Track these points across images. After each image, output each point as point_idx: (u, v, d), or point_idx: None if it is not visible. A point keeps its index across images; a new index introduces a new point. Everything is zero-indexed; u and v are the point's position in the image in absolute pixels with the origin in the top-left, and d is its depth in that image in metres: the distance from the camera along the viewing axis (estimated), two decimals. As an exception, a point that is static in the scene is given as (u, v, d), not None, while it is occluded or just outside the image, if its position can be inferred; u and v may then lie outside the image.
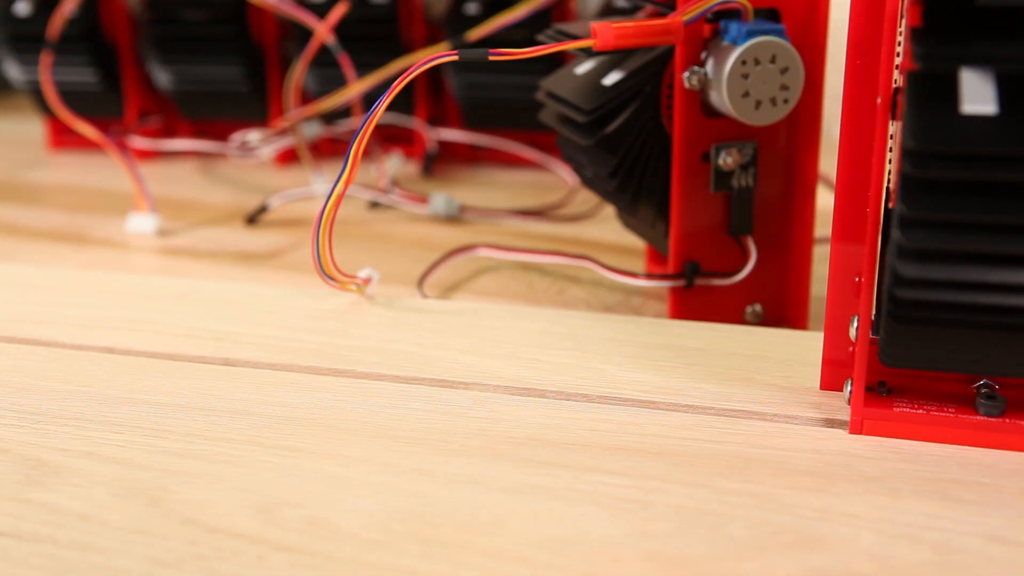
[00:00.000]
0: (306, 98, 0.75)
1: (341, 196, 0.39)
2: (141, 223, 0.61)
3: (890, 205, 0.32)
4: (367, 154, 0.76)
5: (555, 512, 0.28)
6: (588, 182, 0.50)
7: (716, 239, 0.44)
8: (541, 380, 0.37)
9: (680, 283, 0.44)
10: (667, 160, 0.43)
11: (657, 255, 0.52)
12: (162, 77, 0.77)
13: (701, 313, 0.45)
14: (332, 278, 0.42)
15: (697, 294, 0.45)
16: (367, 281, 0.44)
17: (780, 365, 0.38)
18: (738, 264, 0.44)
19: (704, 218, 0.43)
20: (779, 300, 0.45)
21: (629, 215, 0.49)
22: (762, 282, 0.45)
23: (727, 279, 0.44)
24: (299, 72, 0.70)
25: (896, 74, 0.31)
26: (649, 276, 0.46)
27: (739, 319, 0.45)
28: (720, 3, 0.40)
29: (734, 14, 0.41)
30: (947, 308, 0.30)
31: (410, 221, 0.64)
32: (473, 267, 0.54)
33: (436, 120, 0.77)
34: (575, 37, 0.43)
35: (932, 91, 0.28)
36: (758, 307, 0.45)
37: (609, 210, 0.64)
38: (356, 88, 0.67)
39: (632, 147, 0.44)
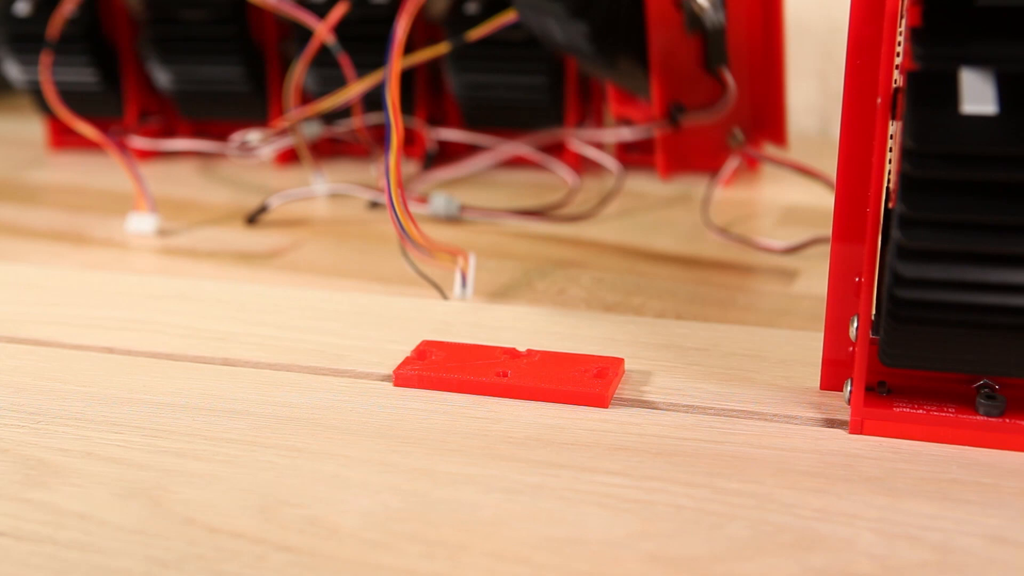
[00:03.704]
0: (306, 98, 0.75)
1: (399, 153, 0.34)
2: (141, 223, 0.61)
3: (890, 205, 0.32)
4: (367, 153, 0.76)
5: (555, 512, 0.28)
6: (559, 47, 0.51)
7: (694, 78, 0.45)
8: (541, 380, 0.37)
9: (667, 126, 0.45)
10: (640, 12, 0.44)
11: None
12: (162, 77, 0.77)
13: (689, 156, 0.46)
14: (422, 246, 0.36)
15: (683, 136, 0.45)
16: (465, 260, 0.39)
17: (780, 365, 0.38)
18: (717, 98, 0.45)
19: (682, 60, 0.44)
20: (757, 119, 0.46)
21: (607, 72, 0.49)
22: (739, 107, 0.46)
23: (711, 112, 0.45)
24: (299, 72, 0.70)
25: (896, 74, 0.31)
26: (635, 125, 0.47)
27: (724, 148, 0.46)
28: None
29: None
30: (947, 308, 0.30)
31: (410, 221, 0.63)
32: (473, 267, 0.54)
33: (436, 120, 0.77)
34: None
35: (932, 91, 0.28)
36: (738, 132, 0.46)
37: (609, 210, 0.64)
38: (356, 88, 0.67)
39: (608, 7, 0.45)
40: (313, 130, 0.76)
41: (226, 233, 0.62)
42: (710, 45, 0.44)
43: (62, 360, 0.39)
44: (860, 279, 0.34)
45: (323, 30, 0.66)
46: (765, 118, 0.47)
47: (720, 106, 0.45)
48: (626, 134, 0.61)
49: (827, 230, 0.35)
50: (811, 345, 0.38)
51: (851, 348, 0.34)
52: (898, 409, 0.33)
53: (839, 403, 0.35)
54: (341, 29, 0.67)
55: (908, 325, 0.30)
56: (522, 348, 0.38)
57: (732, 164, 0.71)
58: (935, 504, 0.29)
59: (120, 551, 0.27)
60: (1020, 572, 0.26)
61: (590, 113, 0.76)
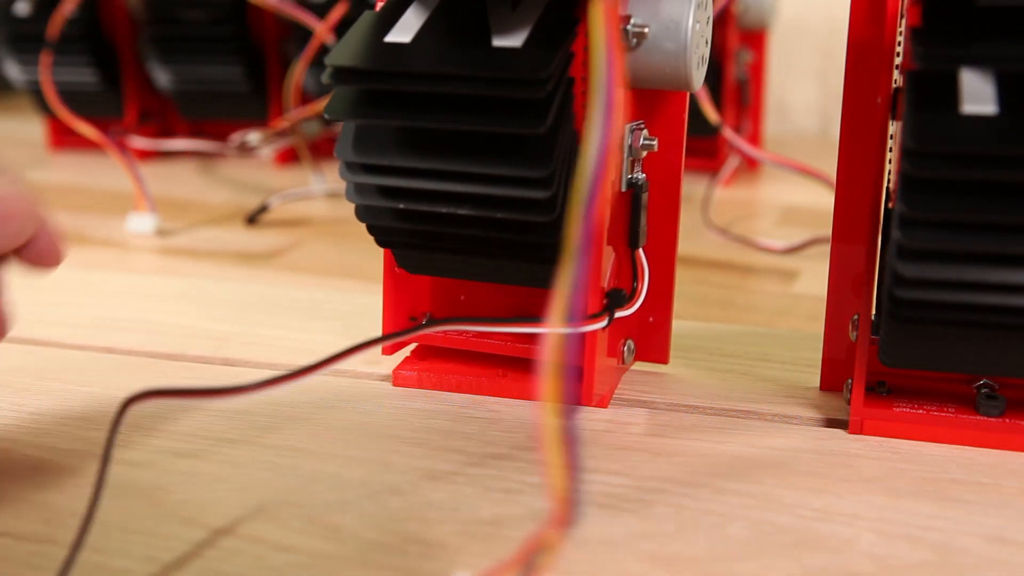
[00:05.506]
0: (306, 98, 0.75)
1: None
2: (141, 223, 0.61)
3: (890, 205, 0.32)
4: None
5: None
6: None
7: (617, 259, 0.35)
8: (541, 380, 0.37)
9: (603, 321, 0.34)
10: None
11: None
12: (162, 77, 0.77)
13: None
14: None
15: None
16: None
17: (780, 365, 0.38)
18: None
19: (616, 229, 0.34)
20: (644, 331, 0.38)
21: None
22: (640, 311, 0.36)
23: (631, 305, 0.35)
24: (299, 72, 0.70)
25: (896, 74, 0.31)
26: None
27: (618, 366, 0.37)
28: None
29: None
30: (947, 308, 0.30)
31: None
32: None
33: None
34: None
35: (932, 91, 0.28)
36: (631, 344, 0.37)
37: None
38: (356, 88, 0.67)
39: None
40: (313, 130, 0.76)
41: (226, 233, 0.62)
42: (639, 210, 0.34)
43: (62, 360, 0.39)
44: (860, 279, 0.34)
45: (323, 30, 0.66)
46: (652, 332, 0.37)
47: (637, 300, 0.35)
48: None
49: (827, 230, 0.35)
50: (811, 345, 0.38)
51: (851, 348, 0.34)
52: (898, 409, 0.33)
53: (839, 403, 0.35)
54: (341, 29, 0.67)
55: (908, 325, 0.30)
56: (522, 348, 0.38)
57: (732, 163, 0.71)
58: (935, 504, 0.29)
59: (120, 551, 0.27)
60: (1020, 572, 0.26)
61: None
